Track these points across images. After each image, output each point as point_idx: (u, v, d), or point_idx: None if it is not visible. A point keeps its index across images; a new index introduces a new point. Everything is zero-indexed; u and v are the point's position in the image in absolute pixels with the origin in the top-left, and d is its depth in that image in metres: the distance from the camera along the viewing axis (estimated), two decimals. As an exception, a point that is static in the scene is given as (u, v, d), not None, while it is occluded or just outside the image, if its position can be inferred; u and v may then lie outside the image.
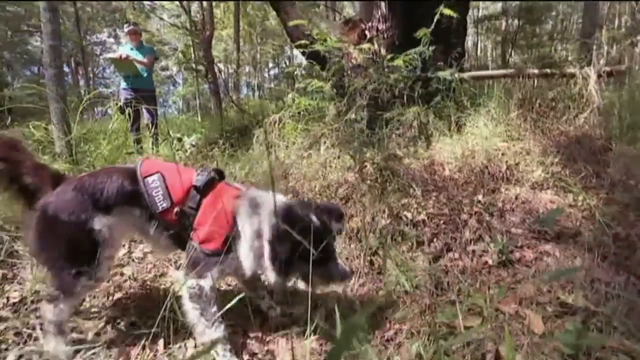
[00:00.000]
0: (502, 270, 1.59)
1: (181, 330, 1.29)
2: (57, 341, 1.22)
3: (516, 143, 2.85)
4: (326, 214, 1.27)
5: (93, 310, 1.56)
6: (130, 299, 1.63)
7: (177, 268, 1.83)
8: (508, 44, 9.26)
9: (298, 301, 1.54)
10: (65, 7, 12.37)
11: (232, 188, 1.38)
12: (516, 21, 9.33)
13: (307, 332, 1.22)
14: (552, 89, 3.36)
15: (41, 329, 1.24)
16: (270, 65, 23.61)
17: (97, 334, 1.40)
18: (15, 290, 1.61)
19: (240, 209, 1.28)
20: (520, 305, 1.27)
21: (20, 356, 1.19)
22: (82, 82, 17.11)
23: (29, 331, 1.34)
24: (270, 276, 1.23)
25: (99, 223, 1.24)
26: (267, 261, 1.23)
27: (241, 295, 1.05)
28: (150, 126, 4.52)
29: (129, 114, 4.00)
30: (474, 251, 1.75)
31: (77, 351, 1.23)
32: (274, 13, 5.08)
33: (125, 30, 4.89)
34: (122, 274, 1.85)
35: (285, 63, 21.64)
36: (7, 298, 1.56)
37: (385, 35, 3.55)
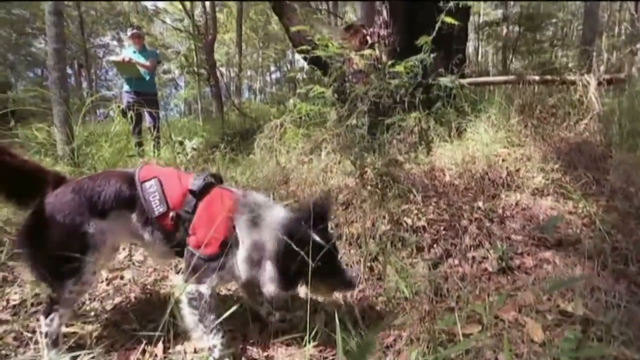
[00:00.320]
0: (502, 277, 1.59)
1: (181, 335, 1.29)
2: (54, 352, 1.22)
3: (517, 149, 2.85)
4: (320, 217, 1.24)
5: (92, 314, 1.56)
6: (130, 303, 1.63)
7: (178, 272, 1.83)
8: (509, 50, 9.31)
9: (297, 307, 1.54)
10: (69, 10, 12.48)
11: (229, 192, 1.37)
12: (517, 28, 9.39)
13: (307, 338, 1.23)
14: (552, 96, 3.38)
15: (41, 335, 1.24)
16: (272, 69, 23.73)
17: (97, 338, 1.40)
18: (15, 293, 1.62)
19: (239, 217, 1.28)
20: (520, 313, 1.27)
21: (22, 360, 1.19)
22: (84, 85, 17.21)
23: (29, 334, 1.34)
24: (270, 290, 1.23)
25: (94, 227, 1.24)
26: (268, 276, 1.23)
27: (240, 302, 1.05)
28: (152, 129, 4.54)
29: (131, 117, 4.02)
30: (473, 257, 1.76)
31: (76, 357, 1.23)
32: (277, 18, 5.13)
33: (129, 34, 4.93)
34: (122, 278, 1.85)
35: (287, 67, 21.74)
36: (7, 301, 1.57)
37: (387, 42, 3.58)
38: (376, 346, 1.13)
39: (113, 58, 4.81)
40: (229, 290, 1.73)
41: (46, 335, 1.23)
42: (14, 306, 1.54)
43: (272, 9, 4.77)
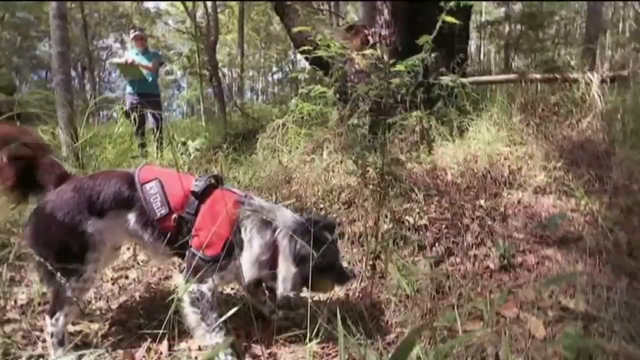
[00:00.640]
0: (504, 275, 1.60)
1: (185, 333, 1.31)
2: (60, 351, 1.24)
3: (519, 148, 2.85)
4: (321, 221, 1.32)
5: (98, 313, 1.58)
6: (135, 302, 1.65)
7: (181, 272, 1.85)
8: (511, 49, 9.27)
9: (299, 305, 1.55)
10: (73, 13, 12.59)
11: (230, 194, 1.38)
12: (519, 26, 9.35)
13: (310, 335, 1.24)
14: (554, 94, 3.37)
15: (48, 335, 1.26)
16: (274, 69, 23.77)
17: (103, 336, 1.42)
18: (23, 293, 1.64)
19: (246, 219, 1.30)
20: (521, 309, 1.28)
21: (30, 357, 1.21)
22: (88, 87, 17.35)
23: (37, 333, 1.36)
24: (288, 290, 1.26)
25: (92, 226, 1.25)
26: (285, 276, 1.27)
27: (243, 301, 1.07)
28: (155, 130, 4.57)
29: (134, 119, 4.06)
30: (475, 255, 1.76)
31: (82, 355, 1.25)
32: (278, 18, 5.14)
33: (131, 35, 4.97)
34: (127, 277, 1.87)
35: (289, 68, 21.78)
36: (15, 300, 1.59)
37: (388, 41, 3.59)
38: (415, 345, 1.13)
39: (116, 60, 4.86)
40: (232, 289, 1.75)
41: (52, 334, 1.24)
42: (22, 305, 1.56)
43: (274, 9, 4.79)
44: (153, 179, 1.32)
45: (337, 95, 3.25)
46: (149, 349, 1.30)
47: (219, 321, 1.24)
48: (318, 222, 1.29)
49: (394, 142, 2.91)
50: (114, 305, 1.63)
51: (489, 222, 2.04)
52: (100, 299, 1.68)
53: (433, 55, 2.39)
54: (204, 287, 1.26)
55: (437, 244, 1.89)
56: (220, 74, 8.06)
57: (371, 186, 2.34)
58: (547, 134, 2.98)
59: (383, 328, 1.38)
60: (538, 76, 3.47)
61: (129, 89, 4.77)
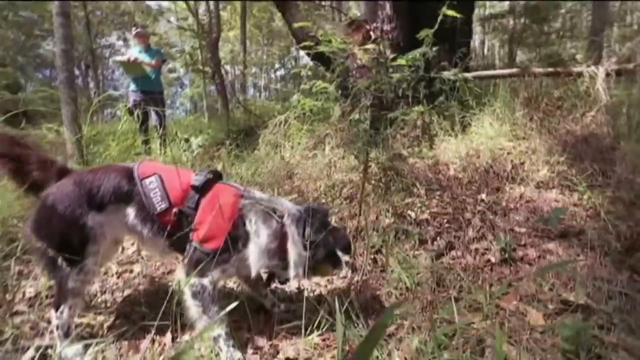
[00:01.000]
0: (505, 268, 1.60)
1: (188, 325, 1.33)
2: (66, 343, 1.27)
3: (521, 142, 2.84)
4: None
5: (103, 305, 1.61)
6: (139, 295, 1.67)
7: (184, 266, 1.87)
8: (515, 43, 9.17)
9: (301, 298, 1.57)
10: (76, 11, 12.63)
11: (230, 187, 1.40)
12: (523, 19, 9.24)
13: (311, 327, 1.26)
14: (558, 88, 3.34)
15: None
16: (277, 66, 23.72)
17: (108, 329, 1.45)
18: (30, 286, 1.68)
19: (250, 211, 1.32)
20: (521, 302, 1.28)
21: (38, 348, 1.24)
22: (92, 85, 17.43)
23: (44, 324, 1.39)
24: (299, 273, 1.30)
25: (92, 220, 1.26)
26: (294, 260, 1.30)
27: (245, 295, 1.08)
28: (159, 127, 4.60)
29: (138, 116, 4.08)
30: (476, 249, 1.77)
31: (88, 345, 1.28)
32: (280, 15, 5.13)
33: (133, 33, 4.98)
34: (131, 271, 1.90)
35: (292, 64, 21.72)
36: (23, 293, 1.63)
37: (390, 36, 3.57)
38: (384, 334, 1.16)
39: (119, 58, 4.87)
40: (235, 282, 1.77)
41: (58, 327, 1.27)
42: (30, 298, 1.60)
43: (276, 6, 4.78)
44: (152, 174, 1.34)
45: (339, 91, 3.25)
46: (152, 341, 1.32)
47: (220, 313, 1.26)
48: (315, 209, 1.33)
49: (396, 137, 2.91)
50: (119, 299, 1.65)
51: (491, 217, 2.04)
52: (105, 292, 1.71)
53: (434, 49, 2.38)
54: (205, 281, 1.27)
55: (438, 238, 1.90)
56: (222, 71, 8.07)
57: (373, 181, 2.34)
58: (550, 128, 2.96)
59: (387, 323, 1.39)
60: (541, 70, 3.43)
61: (132, 86, 4.79)
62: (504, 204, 2.16)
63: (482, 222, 1.98)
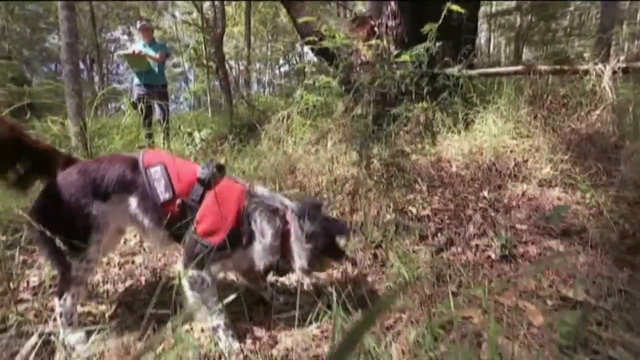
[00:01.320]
0: (505, 265, 1.60)
1: (188, 315, 1.34)
2: (69, 330, 1.29)
3: (525, 140, 2.82)
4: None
5: (106, 295, 1.63)
6: (140, 286, 1.69)
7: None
8: (521, 40, 9.08)
9: (300, 290, 1.58)
10: (81, 5, 12.66)
11: (236, 183, 1.40)
12: (530, 17, 9.13)
13: (310, 318, 1.27)
14: (564, 86, 3.31)
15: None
16: (281, 62, 23.66)
17: (110, 318, 1.47)
18: (34, 275, 1.70)
19: (255, 209, 1.32)
20: (520, 297, 1.28)
21: (41, 334, 1.26)
22: (96, 79, 17.51)
23: (48, 312, 1.41)
24: (304, 264, 1.31)
25: (96, 209, 1.27)
26: (299, 255, 1.32)
27: (244, 288, 1.09)
28: (162, 121, 4.62)
29: (142, 110, 4.11)
30: (477, 245, 1.76)
31: (90, 332, 1.30)
32: (285, 10, 5.11)
33: (138, 26, 5.00)
34: (133, 262, 1.92)
35: (296, 60, 21.66)
36: (27, 282, 1.65)
37: (395, 32, 3.55)
38: (376, 324, 1.17)
39: (123, 51, 4.89)
40: (234, 274, 1.78)
41: (61, 314, 1.29)
42: (34, 287, 1.62)
43: (281, 1, 4.76)
44: (157, 163, 1.33)
45: (342, 86, 3.24)
46: (154, 329, 1.34)
47: (219, 305, 1.27)
48: (312, 203, 1.35)
49: (399, 133, 2.90)
50: (121, 289, 1.67)
51: (492, 214, 2.03)
52: (107, 282, 1.73)
53: (438, 44, 2.36)
54: (204, 273, 1.28)
55: (439, 234, 1.90)
56: (227, 66, 8.06)
57: (375, 177, 2.34)
58: (554, 126, 2.94)
59: (382, 313, 1.40)
60: (547, 68, 3.40)
61: (136, 80, 4.81)
62: (505, 201, 2.16)
63: (483, 219, 1.98)
